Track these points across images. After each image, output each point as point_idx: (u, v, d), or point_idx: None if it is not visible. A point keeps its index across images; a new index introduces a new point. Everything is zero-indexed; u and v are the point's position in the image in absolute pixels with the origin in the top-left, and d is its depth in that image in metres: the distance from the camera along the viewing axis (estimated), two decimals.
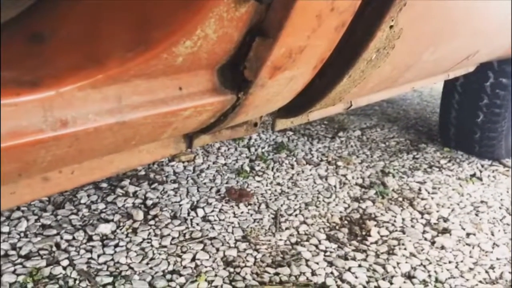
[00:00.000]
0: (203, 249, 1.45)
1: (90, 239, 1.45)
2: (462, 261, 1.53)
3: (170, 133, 0.62)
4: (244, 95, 0.64)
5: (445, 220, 1.78)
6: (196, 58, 0.56)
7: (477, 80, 2.19)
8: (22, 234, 1.44)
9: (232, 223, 1.61)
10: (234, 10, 0.54)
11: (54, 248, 1.39)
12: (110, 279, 1.28)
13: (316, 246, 1.53)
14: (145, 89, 0.53)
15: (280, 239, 1.54)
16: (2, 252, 1.35)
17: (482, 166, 2.37)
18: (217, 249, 1.46)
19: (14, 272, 1.27)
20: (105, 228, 1.50)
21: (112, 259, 1.37)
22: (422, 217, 1.78)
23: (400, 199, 1.91)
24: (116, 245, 1.44)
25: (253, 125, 0.86)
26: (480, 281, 1.45)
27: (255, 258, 1.43)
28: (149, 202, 1.68)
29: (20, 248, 1.37)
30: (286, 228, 1.61)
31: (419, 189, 2.02)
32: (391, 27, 0.78)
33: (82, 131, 0.48)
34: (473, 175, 2.24)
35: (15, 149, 0.43)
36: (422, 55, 1.05)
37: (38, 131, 0.44)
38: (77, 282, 1.26)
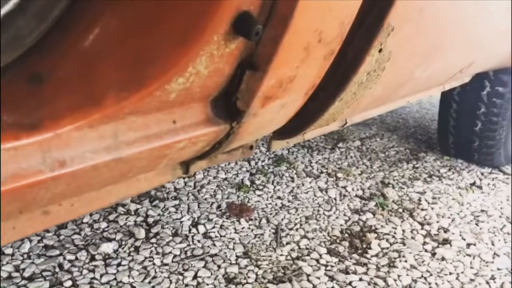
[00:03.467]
0: (204, 266, 1.46)
1: (92, 258, 1.47)
2: (462, 272, 1.54)
3: (166, 163, 0.64)
4: (237, 124, 0.66)
5: (445, 230, 1.79)
6: (189, 93, 0.58)
7: (473, 89, 2.21)
8: (25, 256, 1.45)
9: (233, 239, 1.62)
10: (224, 47, 0.56)
11: (57, 269, 1.41)
12: None
13: (317, 260, 1.54)
14: (140, 125, 0.55)
15: (281, 254, 1.56)
16: (6, 274, 1.37)
17: (482, 174, 2.38)
18: (219, 266, 1.47)
19: None
20: (107, 248, 1.52)
21: (115, 279, 1.39)
22: (422, 228, 1.79)
23: (400, 210, 1.92)
24: (119, 264, 1.45)
25: (249, 148, 0.88)
26: None
27: (257, 275, 1.44)
28: (150, 220, 1.70)
29: (24, 269, 1.39)
30: (287, 243, 1.62)
31: (419, 200, 2.03)
32: (380, 51, 0.80)
33: (79, 169, 0.50)
34: (473, 184, 2.25)
35: (16, 191, 0.45)
36: (414, 73, 1.07)
37: (37, 173, 0.46)
38: None
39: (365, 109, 1.10)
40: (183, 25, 0.52)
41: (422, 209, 1.94)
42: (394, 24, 0.77)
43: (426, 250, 1.65)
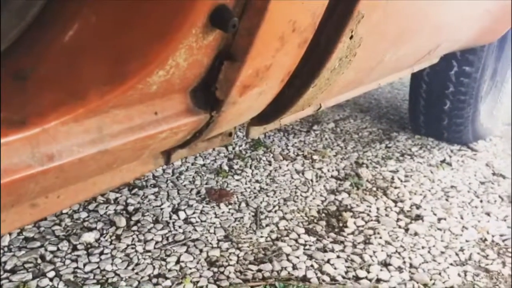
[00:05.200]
0: (186, 251, 1.49)
1: (74, 248, 1.48)
2: (434, 246, 1.61)
3: (148, 153, 0.66)
4: (217, 113, 0.69)
5: (418, 207, 1.87)
6: (169, 85, 0.60)
7: (442, 69, 2.27)
8: (6, 249, 1.45)
9: (214, 223, 1.65)
10: (202, 39, 0.59)
11: (39, 261, 1.41)
12: (97, 287, 1.31)
13: (296, 240, 1.59)
14: (123, 118, 0.57)
15: (261, 236, 1.60)
16: None
17: (452, 151, 2.47)
18: (201, 250, 1.50)
19: (0, 287, 1.29)
20: (89, 237, 1.53)
21: (98, 267, 1.41)
22: (395, 206, 1.86)
23: (374, 189, 1.99)
24: (101, 253, 1.47)
25: (228, 135, 0.91)
26: (451, 264, 1.53)
27: (238, 257, 1.48)
28: (130, 208, 1.71)
29: (5, 262, 1.39)
30: (267, 225, 1.66)
31: (392, 178, 2.10)
32: (351, 37, 0.83)
33: (67, 163, 0.52)
34: (443, 161, 2.34)
35: (9, 185, 0.47)
36: (384, 57, 1.11)
37: (28, 167, 0.48)
38: None
39: (339, 93, 1.13)
40: (162, 20, 0.54)
41: (395, 187, 2.01)
42: (364, 12, 0.80)
43: (399, 227, 1.72)
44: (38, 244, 1.49)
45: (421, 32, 1.22)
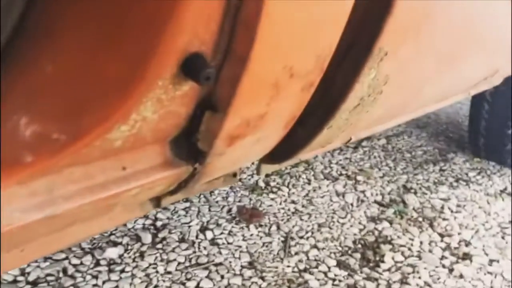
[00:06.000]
0: (207, 276, 1.43)
1: (97, 263, 1.47)
2: None
3: (121, 208, 0.59)
4: (200, 165, 0.61)
5: (467, 243, 1.69)
6: (138, 138, 0.53)
7: (507, 90, 2.05)
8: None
9: (240, 246, 1.58)
10: (174, 90, 0.51)
11: (61, 274, 1.41)
12: None
13: (325, 273, 1.48)
14: (81, 176, 0.51)
15: (288, 265, 1.51)
16: (11, 278, 1.38)
17: None
18: (222, 277, 1.44)
19: None
20: (112, 252, 1.51)
21: (117, 286, 1.38)
22: (442, 240, 1.70)
23: (420, 219, 1.83)
24: (122, 271, 1.44)
25: (232, 176, 0.83)
26: None
27: (260, 287, 1.40)
28: (158, 223, 1.68)
29: (29, 273, 1.40)
30: (295, 253, 1.57)
31: (442, 207, 1.92)
32: (372, 76, 0.73)
33: (6, 232, 0.46)
34: (503, 191, 2.12)
35: None
36: (423, 89, 0.98)
37: None
38: None
39: (369, 127, 1.02)
40: (120, 72, 0.47)
41: (444, 219, 1.84)
42: (388, 48, 0.69)
43: (443, 266, 1.56)
44: (63, 256, 1.49)
45: (470, 58, 1.07)
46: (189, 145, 0.60)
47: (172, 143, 0.59)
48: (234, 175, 0.83)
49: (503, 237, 1.75)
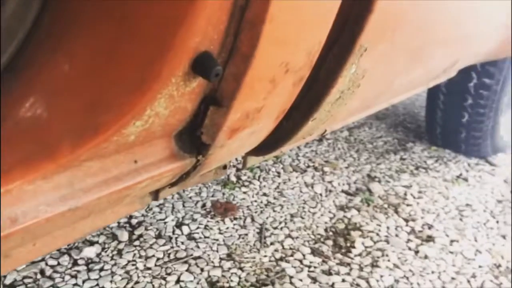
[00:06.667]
0: (187, 270, 1.46)
1: (75, 263, 1.46)
2: (444, 271, 1.55)
3: (129, 200, 0.62)
4: (203, 157, 0.65)
5: (430, 227, 1.80)
6: (149, 133, 0.56)
7: (460, 81, 2.19)
8: None
9: (217, 240, 1.62)
10: (184, 87, 0.55)
11: (39, 275, 1.40)
12: None
13: (301, 261, 1.55)
14: (98, 170, 0.54)
15: (265, 255, 1.56)
16: None
17: (469, 165, 2.39)
18: (202, 269, 1.47)
19: None
20: (90, 252, 1.51)
21: (97, 284, 1.39)
22: (406, 225, 1.80)
23: (386, 206, 1.93)
24: (101, 269, 1.45)
25: (222, 168, 0.87)
26: None
27: (239, 278, 1.45)
28: (134, 221, 1.69)
29: (5, 277, 1.38)
30: (271, 243, 1.62)
31: (405, 194, 2.03)
32: (353, 71, 0.78)
33: (33, 224, 0.48)
34: (459, 176, 2.26)
35: None
36: (393, 83, 1.05)
37: None
38: None
39: (344, 119, 1.08)
40: (137, 71, 0.50)
41: (408, 204, 1.94)
42: (367, 45, 0.75)
43: (409, 248, 1.66)
44: (38, 257, 1.47)
45: (435, 53, 1.16)
46: (193, 138, 0.63)
47: (177, 137, 0.62)
48: (224, 167, 0.87)
49: (461, 219, 1.87)
